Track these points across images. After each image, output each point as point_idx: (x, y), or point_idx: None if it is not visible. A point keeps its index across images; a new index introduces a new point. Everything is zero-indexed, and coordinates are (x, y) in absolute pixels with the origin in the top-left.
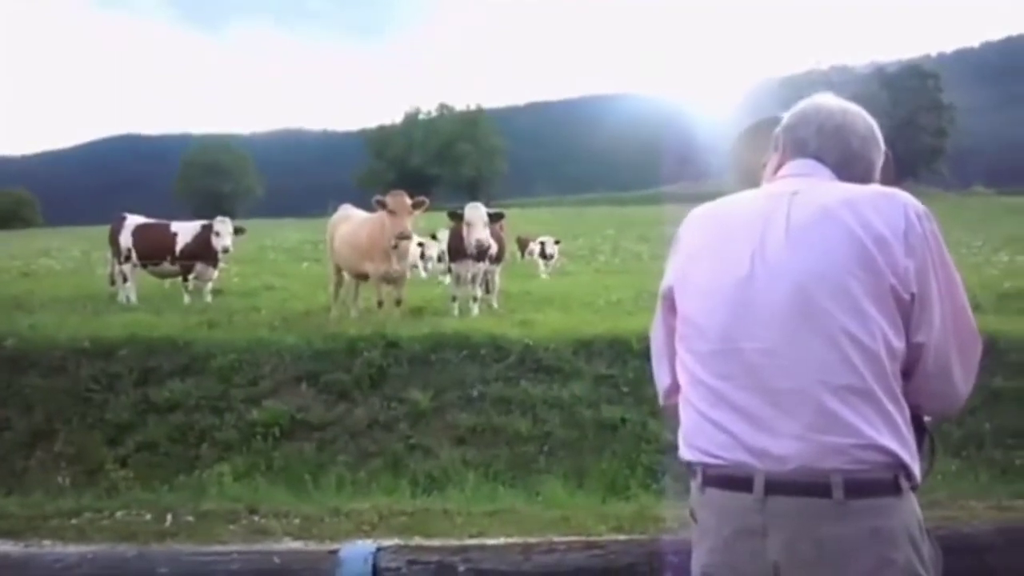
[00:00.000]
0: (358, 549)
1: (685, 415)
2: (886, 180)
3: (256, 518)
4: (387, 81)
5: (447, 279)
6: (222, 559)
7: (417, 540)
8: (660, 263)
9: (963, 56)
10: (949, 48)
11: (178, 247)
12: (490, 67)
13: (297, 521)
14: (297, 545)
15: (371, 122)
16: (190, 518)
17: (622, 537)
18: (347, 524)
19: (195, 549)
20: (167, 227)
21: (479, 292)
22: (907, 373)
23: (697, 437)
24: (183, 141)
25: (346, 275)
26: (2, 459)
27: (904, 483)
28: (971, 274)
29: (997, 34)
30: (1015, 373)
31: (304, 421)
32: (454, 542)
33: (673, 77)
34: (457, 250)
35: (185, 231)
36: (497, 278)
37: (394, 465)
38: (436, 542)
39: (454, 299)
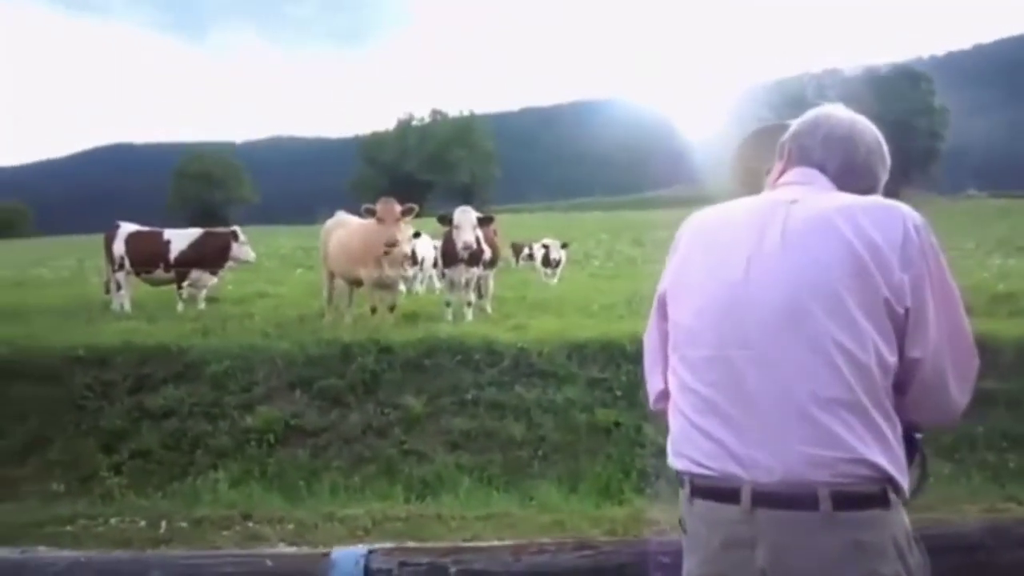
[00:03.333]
0: (350, 552)
1: (674, 422)
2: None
3: (250, 524)
4: (378, 86)
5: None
6: (215, 563)
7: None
8: (654, 267)
9: (954, 59)
10: (940, 51)
11: (172, 254)
12: (482, 72)
13: (291, 527)
14: (290, 549)
15: (364, 128)
16: (184, 524)
17: (613, 537)
18: (341, 530)
19: (188, 553)
20: (160, 235)
21: (472, 297)
22: (902, 387)
23: (685, 445)
24: (175, 150)
25: (340, 281)
26: None
27: (892, 496)
28: (963, 277)
29: (988, 36)
30: (1008, 376)
31: (298, 427)
32: (445, 544)
33: (666, 81)
34: (450, 255)
35: (179, 238)
36: (491, 283)
37: (388, 471)
38: (427, 544)
39: (448, 304)
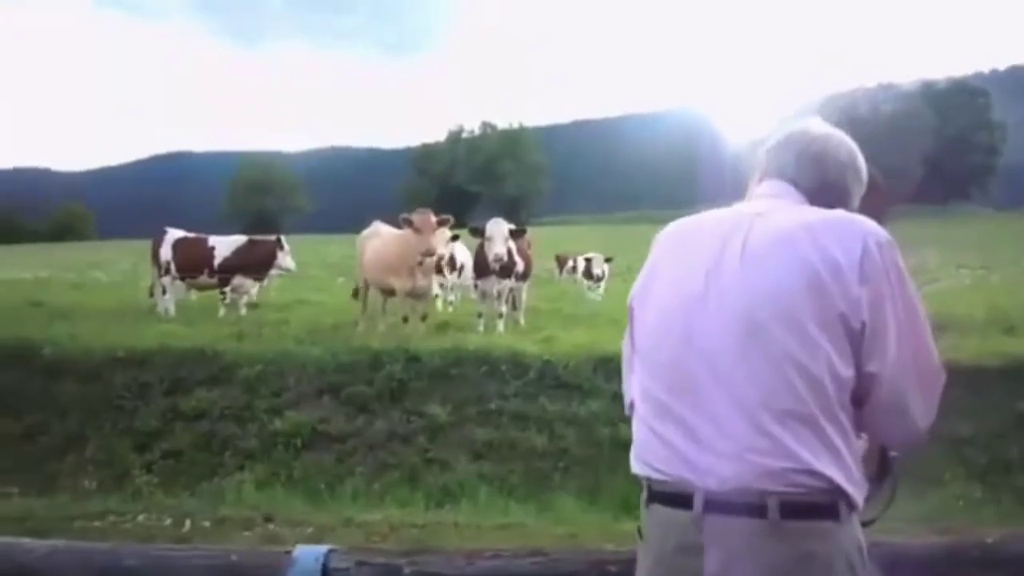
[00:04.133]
0: (311, 550)
1: (636, 428)
2: (876, 210)
3: (271, 526)
4: (430, 98)
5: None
6: (185, 555)
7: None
8: None
9: (1017, 73)
10: (1002, 65)
11: (216, 260)
12: (534, 84)
13: (310, 530)
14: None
15: (416, 139)
16: (207, 524)
17: (567, 545)
18: (358, 534)
19: (160, 546)
20: (205, 241)
21: (504, 309)
22: (861, 403)
23: (645, 451)
24: (231, 158)
25: (374, 290)
26: (36, 462)
27: (844, 508)
28: (1011, 295)
29: None
30: None
31: (325, 432)
32: (402, 547)
33: (718, 95)
34: (482, 267)
35: (223, 245)
36: (524, 295)
37: (410, 478)
38: (386, 546)
39: (480, 315)
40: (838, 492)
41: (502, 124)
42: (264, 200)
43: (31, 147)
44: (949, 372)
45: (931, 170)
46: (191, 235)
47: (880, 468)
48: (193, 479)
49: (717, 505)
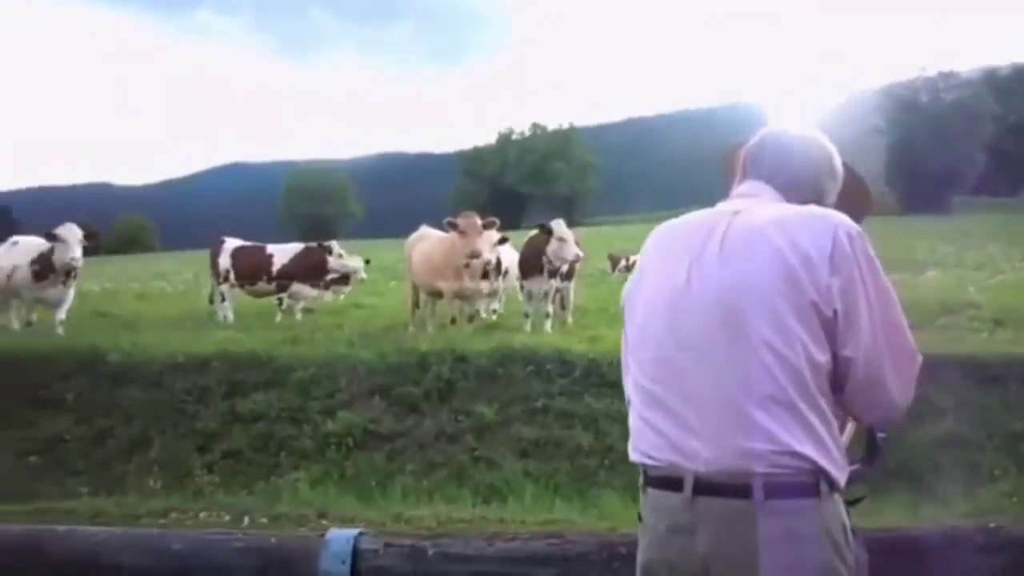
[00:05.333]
0: (342, 533)
1: (631, 419)
2: (856, 211)
3: (324, 522)
4: (480, 102)
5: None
6: (227, 538)
7: None
8: None
9: None
10: None
11: (275, 268)
12: (585, 85)
13: (361, 526)
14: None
15: (467, 143)
16: (264, 520)
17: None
18: (406, 530)
19: (205, 530)
20: (263, 249)
21: (550, 308)
22: (841, 385)
23: (639, 440)
24: (287, 167)
25: (423, 292)
26: (104, 464)
27: (824, 487)
28: None
29: None
30: None
31: (375, 432)
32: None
33: (772, 88)
34: (529, 267)
35: (282, 253)
36: (571, 295)
37: (458, 475)
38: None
39: (527, 315)
40: (819, 471)
41: (553, 125)
42: (319, 207)
43: (91, 163)
44: (1008, 367)
45: (996, 160)
46: (249, 244)
47: (868, 450)
48: (251, 478)
49: (705, 487)
